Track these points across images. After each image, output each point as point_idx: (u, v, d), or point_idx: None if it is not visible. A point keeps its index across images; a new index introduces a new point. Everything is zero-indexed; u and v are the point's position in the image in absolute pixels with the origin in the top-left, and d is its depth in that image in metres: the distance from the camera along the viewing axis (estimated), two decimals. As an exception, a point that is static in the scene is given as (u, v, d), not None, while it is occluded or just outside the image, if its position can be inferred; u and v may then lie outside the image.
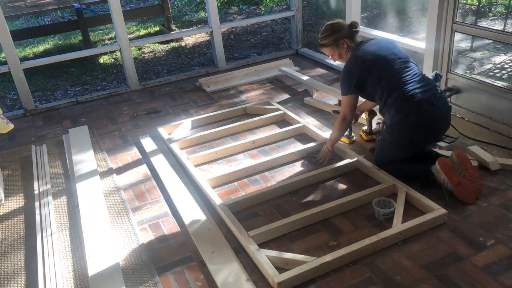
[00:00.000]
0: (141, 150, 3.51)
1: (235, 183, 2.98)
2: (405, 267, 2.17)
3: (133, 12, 8.56)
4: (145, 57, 6.67)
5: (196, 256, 2.37)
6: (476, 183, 2.58)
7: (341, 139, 3.25)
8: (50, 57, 4.86)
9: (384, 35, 4.26)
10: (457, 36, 3.65)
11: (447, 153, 2.87)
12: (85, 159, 3.33)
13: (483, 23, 6.23)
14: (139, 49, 6.99)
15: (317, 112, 3.86)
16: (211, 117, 3.89)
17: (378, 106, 2.92)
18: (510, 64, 5.02)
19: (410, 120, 2.68)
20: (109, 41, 7.77)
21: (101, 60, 6.68)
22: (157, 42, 6.97)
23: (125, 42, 4.65)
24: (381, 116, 3.00)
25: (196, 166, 3.18)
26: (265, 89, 4.48)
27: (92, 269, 2.27)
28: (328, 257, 2.19)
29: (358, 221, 2.51)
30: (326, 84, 4.31)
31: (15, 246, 2.60)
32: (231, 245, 2.40)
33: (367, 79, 2.80)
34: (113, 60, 6.64)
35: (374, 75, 2.78)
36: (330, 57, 3.02)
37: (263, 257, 2.22)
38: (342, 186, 2.85)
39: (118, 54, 6.23)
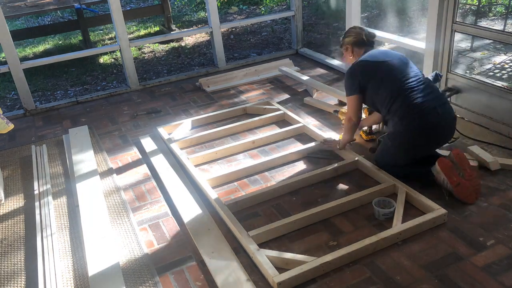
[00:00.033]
0: (141, 150, 3.51)
1: (235, 183, 2.98)
2: (405, 267, 2.17)
3: (133, 12, 8.56)
4: (145, 57, 6.67)
5: (196, 256, 2.37)
6: (474, 183, 2.58)
7: (361, 134, 3.34)
8: (50, 57, 4.86)
9: (384, 35, 4.26)
10: (457, 36, 3.66)
11: (447, 153, 2.87)
12: (85, 159, 3.33)
13: (483, 23, 6.23)
14: (139, 49, 6.99)
15: (317, 112, 3.86)
16: (211, 117, 3.89)
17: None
18: (510, 64, 5.02)
19: (413, 125, 2.66)
20: (109, 41, 7.77)
21: (101, 60, 6.68)
22: (157, 42, 6.97)
23: (125, 42, 4.65)
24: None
25: (196, 166, 3.18)
26: (265, 89, 4.48)
27: (92, 269, 2.27)
28: (328, 257, 2.19)
29: (358, 221, 2.51)
30: (326, 84, 4.32)
31: (15, 246, 2.60)
32: (231, 245, 2.40)
33: (367, 85, 2.80)
34: (113, 60, 6.64)
35: (376, 80, 2.77)
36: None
37: (263, 257, 2.22)
38: (342, 186, 2.85)
39: (118, 54, 6.23)
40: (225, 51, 5.67)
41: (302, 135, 3.49)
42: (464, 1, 6.41)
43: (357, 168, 3.00)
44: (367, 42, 2.95)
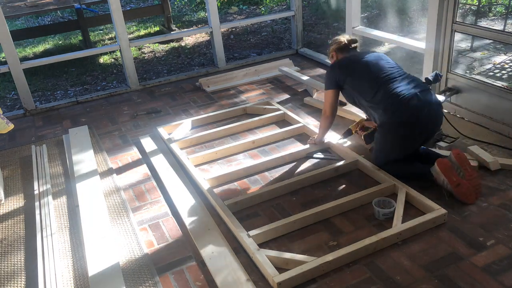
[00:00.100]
0: (141, 150, 3.51)
1: (235, 183, 2.98)
2: (405, 267, 2.17)
3: (133, 12, 8.56)
4: (145, 57, 6.67)
5: (196, 256, 2.37)
6: (475, 183, 2.58)
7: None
8: (50, 57, 4.86)
9: (384, 35, 4.26)
10: (457, 36, 3.66)
11: (446, 153, 2.87)
12: (85, 159, 3.33)
13: (483, 23, 6.23)
14: (139, 49, 6.99)
15: (317, 112, 3.86)
16: (211, 117, 3.89)
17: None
18: (510, 64, 5.02)
19: (397, 114, 2.70)
20: (109, 41, 7.77)
21: (101, 60, 6.68)
22: (157, 42, 6.97)
23: (125, 42, 4.65)
24: None
25: (196, 166, 3.18)
26: (265, 89, 4.48)
27: (92, 269, 2.27)
28: (328, 257, 2.19)
29: (358, 221, 2.51)
30: (326, 84, 4.31)
31: (15, 246, 2.60)
32: (231, 245, 2.40)
33: (346, 80, 2.92)
34: (113, 60, 6.64)
35: (354, 76, 2.89)
36: None
37: (263, 257, 2.22)
38: (342, 186, 2.85)
39: (118, 54, 6.23)
40: (225, 51, 5.67)
41: (302, 135, 3.49)
42: (464, 1, 6.41)
43: (357, 168, 3.00)
44: (349, 47, 3.10)
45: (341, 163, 2.98)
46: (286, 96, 4.27)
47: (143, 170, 3.24)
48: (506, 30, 5.35)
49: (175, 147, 3.38)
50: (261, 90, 4.46)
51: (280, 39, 6.91)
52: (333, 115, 3.08)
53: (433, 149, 2.97)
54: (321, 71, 4.82)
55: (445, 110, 3.39)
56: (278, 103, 4.06)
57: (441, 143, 3.10)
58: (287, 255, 2.24)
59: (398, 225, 2.36)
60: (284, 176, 3.00)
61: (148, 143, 3.54)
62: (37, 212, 2.81)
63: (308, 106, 4.01)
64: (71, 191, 3.03)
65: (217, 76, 4.78)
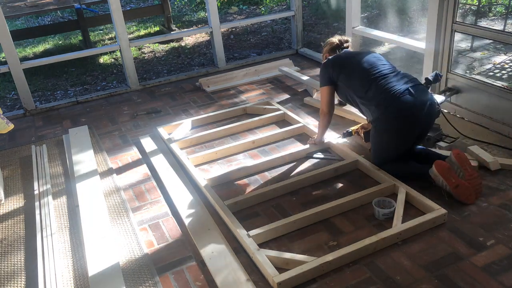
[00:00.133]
0: (141, 150, 3.51)
1: (235, 183, 2.98)
2: (405, 267, 2.17)
3: (133, 12, 8.56)
4: (145, 57, 6.67)
5: (196, 256, 2.37)
6: (475, 183, 2.58)
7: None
8: (50, 57, 4.86)
9: (384, 35, 4.26)
10: (457, 36, 3.66)
11: (447, 153, 2.87)
12: (85, 159, 3.33)
13: (483, 23, 6.23)
14: (139, 49, 6.99)
15: (317, 112, 3.85)
16: (211, 117, 3.89)
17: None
18: (510, 64, 5.02)
19: (390, 109, 2.71)
20: (109, 41, 7.77)
21: (101, 60, 6.68)
22: (157, 42, 6.97)
23: (125, 42, 4.65)
24: None
25: (196, 166, 3.18)
26: (265, 89, 4.48)
27: (92, 269, 2.27)
28: (328, 257, 2.19)
29: (358, 221, 2.51)
30: (326, 84, 4.31)
31: (15, 246, 2.60)
32: (231, 245, 2.40)
33: (339, 77, 2.95)
34: (113, 60, 6.64)
35: (346, 72, 2.92)
36: None
37: (263, 257, 2.22)
38: (342, 186, 2.85)
39: (118, 54, 6.23)
40: (225, 51, 5.67)
41: (302, 135, 3.49)
42: (464, 1, 6.41)
43: (357, 168, 3.00)
44: (341, 46, 3.18)
45: (341, 163, 2.98)
46: (286, 96, 4.27)
47: (143, 170, 3.24)
48: (506, 30, 5.35)
49: (175, 147, 3.38)
50: (261, 90, 4.47)
51: (280, 39, 6.91)
52: (330, 112, 3.09)
53: (433, 149, 2.97)
54: (321, 71, 4.82)
55: (445, 110, 3.39)
56: (278, 103, 4.06)
57: (441, 143, 3.10)
58: (287, 255, 2.24)
59: (398, 225, 2.36)
60: (284, 176, 3.00)
61: (148, 143, 3.54)
62: (37, 212, 2.81)
63: (308, 106, 4.01)
64: (71, 191, 3.03)
65: (217, 76, 4.78)
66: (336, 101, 3.91)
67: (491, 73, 4.84)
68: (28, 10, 7.20)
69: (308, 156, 3.18)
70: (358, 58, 2.96)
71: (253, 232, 2.40)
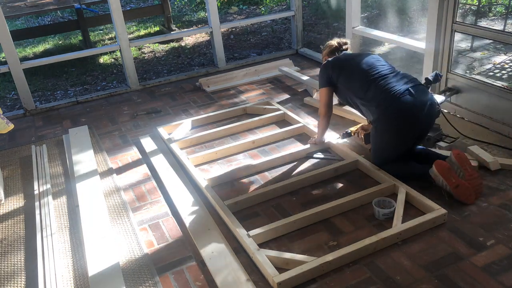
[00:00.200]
0: (141, 150, 3.51)
1: (235, 183, 2.98)
2: (405, 267, 2.17)
3: (133, 12, 8.56)
4: (145, 57, 6.67)
5: (196, 256, 2.37)
6: (475, 183, 2.58)
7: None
8: (50, 57, 4.86)
9: (384, 35, 4.26)
10: (457, 36, 3.66)
11: (447, 153, 2.87)
12: (85, 159, 3.33)
13: (483, 23, 6.23)
14: (139, 49, 6.99)
15: (317, 112, 3.85)
16: (211, 117, 3.89)
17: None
18: (510, 64, 5.02)
19: (390, 109, 2.71)
20: (109, 41, 7.77)
21: (101, 60, 6.68)
22: (157, 42, 6.97)
23: (125, 42, 4.65)
24: None
25: (196, 166, 3.18)
26: (265, 89, 4.48)
27: (92, 269, 2.27)
28: (328, 257, 2.19)
29: (358, 221, 2.51)
30: (326, 84, 4.31)
31: (15, 246, 2.60)
32: (231, 245, 2.40)
33: (338, 78, 2.96)
34: (113, 60, 6.64)
35: (346, 73, 2.93)
36: None
37: (263, 257, 2.22)
38: (342, 186, 2.85)
39: (118, 54, 6.23)
40: (225, 51, 5.67)
41: (302, 135, 3.49)
42: (464, 1, 6.41)
43: (357, 168, 3.00)
44: (340, 48, 3.19)
45: (341, 163, 2.98)
46: (286, 96, 4.27)
47: (143, 170, 3.24)
48: (506, 30, 5.35)
49: (175, 147, 3.38)
50: (261, 90, 4.47)
51: (280, 39, 6.91)
52: (328, 114, 3.10)
53: (433, 149, 2.97)
54: (321, 71, 4.82)
55: (445, 110, 3.39)
56: (278, 103, 4.06)
57: (441, 143, 3.10)
58: (287, 255, 2.24)
59: (398, 225, 2.36)
60: (284, 176, 3.00)
61: (148, 143, 3.54)
62: (37, 212, 2.81)
63: (308, 106, 4.01)
64: (71, 191, 3.03)
65: (217, 76, 4.78)
66: (336, 101, 3.92)
67: (491, 73, 4.84)
68: (28, 10, 7.20)
69: (308, 156, 3.18)
70: (357, 60, 2.97)
71: (253, 232, 2.40)
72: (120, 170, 3.27)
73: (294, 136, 3.49)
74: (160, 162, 3.25)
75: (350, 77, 2.92)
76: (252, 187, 2.92)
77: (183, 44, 7.12)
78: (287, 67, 4.82)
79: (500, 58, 5.19)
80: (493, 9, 6.69)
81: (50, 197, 2.95)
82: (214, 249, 2.37)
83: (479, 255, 2.20)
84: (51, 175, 3.24)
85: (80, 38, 7.65)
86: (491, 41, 5.10)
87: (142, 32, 8.02)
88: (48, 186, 3.09)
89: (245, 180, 3.01)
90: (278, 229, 2.44)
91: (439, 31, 3.45)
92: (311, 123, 3.64)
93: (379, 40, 5.10)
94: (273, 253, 2.26)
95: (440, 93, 3.50)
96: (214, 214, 2.67)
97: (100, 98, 4.67)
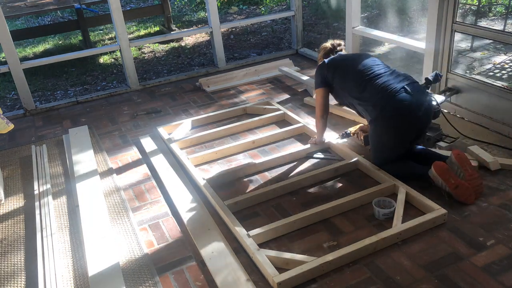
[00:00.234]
0: (141, 150, 3.51)
1: (235, 183, 2.98)
2: (405, 267, 2.17)
3: (133, 12, 8.56)
4: (145, 57, 6.67)
5: (196, 256, 2.37)
6: (475, 183, 2.57)
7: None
8: (50, 57, 4.86)
9: (384, 35, 4.26)
10: (457, 36, 3.66)
11: (447, 153, 2.87)
12: (85, 159, 3.33)
13: (483, 23, 6.23)
14: (139, 49, 6.99)
15: (317, 112, 3.86)
16: (211, 117, 3.89)
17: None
18: (510, 64, 5.02)
19: (387, 108, 2.71)
20: (109, 41, 7.77)
21: (101, 60, 6.68)
22: (157, 42, 6.97)
23: (125, 42, 4.65)
24: None
25: (196, 166, 3.18)
26: (265, 89, 4.48)
27: (92, 269, 2.27)
28: (328, 257, 2.19)
29: (358, 221, 2.51)
30: (326, 84, 4.31)
31: (15, 246, 2.60)
32: (231, 245, 2.40)
33: (334, 79, 2.98)
34: (113, 60, 6.64)
35: (341, 74, 2.95)
36: None
37: (263, 257, 2.22)
38: (342, 186, 2.85)
39: (118, 54, 6.23)
40: (225, 51, 5.67)
41: (302, 135, 3.50)
42: (464, 1, 6.41)
43: (357, 168, 3.00)
44: (335, 50, 3.23)
45: (341, 163, 2.98)
46: (286, 96, 4.27)
47: (143, 170, 3.24)
48: (506, 30, 5.35)
49: (175, 147, 3.38)
50: (261, 90, 4.47)
51: (280, 39, 6.91)
52: (324, 115, 3.11)
53: (433, 149, 2.97)
54: (321, 71, 4.82)
55: (445, 110, 3.39)
56: (278, 103, 4.06)
57: (441, 143, 3.10)
58: (287, 255, 2.24)
59: (398, 225, 2.36)
60: (284, 176, 3.00)
61: (148, 143, 3.54)
62: (37, 212, 2.81)
63: (308, 106, 4.01)
64: (71, 191, 3.03)
65: (217, 76, 4.78)
66: (335, 101, 3.92)
67: (491, 73, 4.84)
68: (28, 10, 7.20)
69: (308, 156, 3.19)
70: (352, 60, 3.00)
71: (253, 232, 2.40)
72: (120, 170, 3.27)
73: (294, 136, 3.49)
74: (160, 162, 3.25)
75: (345, 77, 2.94)
76: (252, 187, 2.92)
77: (183, 44, 7.12)
78: (287, 67, 4.82)
79: (500, 58, 5.19)
80: (493, 9, 6.69)
81: (50, 197, 2.95)
82: (214, 249, 2.37)
83: (479, 255, 2.20)
84: (51, 175, 3.24)
85: (80, 38, 7.65)
86: (491, 41, 5.10)
87: (142, 32, 8.02)
88: (48, 186, 3.09)
89: (245, 180, 3.01)
90: (278, 229, 2.44)
91: (439, 31, 3.45)
92: (311, 123, 3.64)
93: (379, 40, 5.10)
94: (273, 253, 2.26)
95: (440, 93, 3.50)
96: (214, 214, 2.67)
97: (100, 98, 4.67)
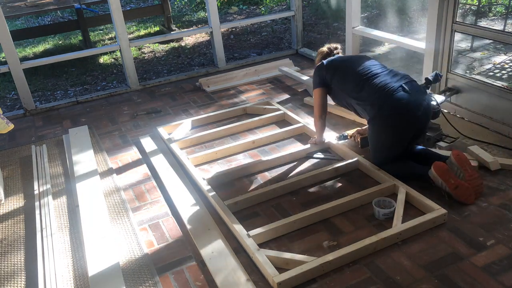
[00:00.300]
0: (141, 150, 3.51)
1: (235, 183, 2.98)
2: (405, 267, 2.17)
3: (133, 12, 8.56)
4: (145, 57, 6.67)
5: (196, 256, 2.37)
6: (475, 183, 2.57)
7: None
8: (50, 57, 4.86)
9: (384, 35, 4.26)
10: (457, 36, 3.66)
11: (447, 153, 2.87)
12: (85, 159, 3.33)
13: (483, 23, 6.23)
14: (139, 49, 6.99)
15: (317, 112, 3.86)
16: (211, 117, 3.89)
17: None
18: (510, 64, 5.02)
19: (385, 107, 2.72)
20: (109, 41, 7.77)
21: (101, 60, 6.68)
22: (157, 42, 6.97)
23: (125, 42, 4.65)
24: None
25: (196, 166, 3.18)
26: (265, 89, 4.48)
27: (92, 269, 2.27)
28: (328, 257, 2.19)
29: (358, 221, 2.51)
30: (326, 84, 4.31)
31: (15, 246, 2.60)
32: (231, 245, 2.40)
33: (332, 79, 2.99)
34: (113, 60, 6.64)
35: (339, 74, 2.96)
36: None
37: (263, 257, 2.22)
38: (342, 186, 2.85)
39: (118, 54, 6.23)
40: (225, 51, 5.67)
41: (302, 135, 3.50)
42: (464, 1, 6.41)
43: (357, 168, 3.00)
44: (332, 53, 3.26)
45: (341, 163, 2.98)
46: (286, 96, 4.27)
47: (143, 170, 3.24)
48: (506, 30, 5.35)
49: (175, 147, 3.38)
50: (261, 90, 4.47)
51: (280, 39, 6.91)
52: (322, 115, 3.11)
53: (433, 149, 2.97)
54: (321, 71, 4.82)
55: (445, 110, 3.39)
56: (278, 103, 4.06)
57: (441, 143, 3.10)
58: (287, 255, 2.24)
59: (398, 225, 2.36)
60: (284, 176, 3.00)
61: (148, 143, 3.54)
62: (37, 212, 2.81)
63: (308, 106, 4.01)
64: (71, 191, 3.03)
65: (217, 76, 4.78)
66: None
67: (491, 73, 4.84)
68: (28, 10, 7.20)
69: (308, 156, 3.19)
70: (351, 61, 3.02)
71: (253, 232, 2.40)
72: (120, 170, 3.27)
73: (294, 136, 3.49)
74: (160, 162, 3.25)
75: (344, 78, 2.95)
76: (252, 187, 2.92)
77: (183, 44, 7.12)
78: (287, 67, 4.82)
79: (500, 58, 5.18)
80: (493, 9, 6.69)
81: (50, 197, 2.95)
82: (214, 249, 2.37)
83: (479, 255, 2.20)
84: (51, 175, 3.24)
85: (80, 38, 7.65)
86: (491, 41, 5.10)
87: (142, 32, 8.02)
88: (48, 186, 3.09)
89: (245, 180, 3.01)
90: (278, 229, 2.44)
91: (439, 31, 3.45)
92: (311, 123, 3.63)
93: (379, 40, 5.10)
94: (273, 253, 2.26)
95: (440, 93, 3.50)
96: (214, 214, 2.67)
97: (100, 98, 4.67)
